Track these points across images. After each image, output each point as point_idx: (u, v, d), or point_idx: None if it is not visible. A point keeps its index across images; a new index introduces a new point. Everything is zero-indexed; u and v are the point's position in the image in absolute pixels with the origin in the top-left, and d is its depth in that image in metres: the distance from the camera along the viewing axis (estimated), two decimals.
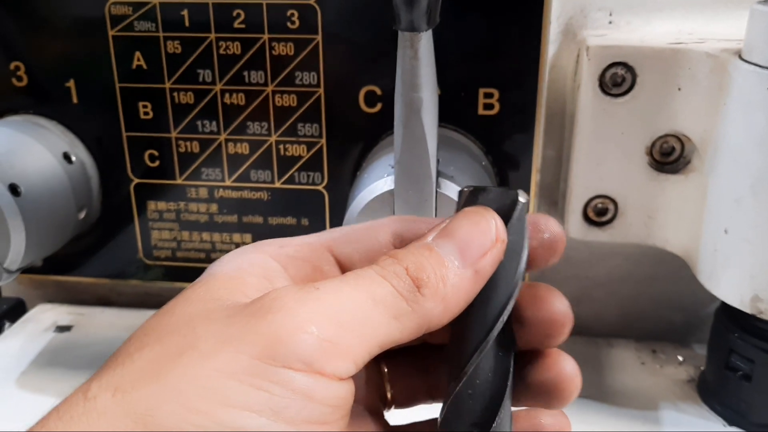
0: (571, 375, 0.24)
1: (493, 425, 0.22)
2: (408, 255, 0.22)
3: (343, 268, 0.25)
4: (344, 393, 0.20)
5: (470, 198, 0.24)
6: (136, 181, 0.50)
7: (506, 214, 0.23)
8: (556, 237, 0.24)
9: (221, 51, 0.46)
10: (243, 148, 0.48)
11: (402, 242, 0.24)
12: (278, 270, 0.23)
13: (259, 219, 0.50)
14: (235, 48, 0.46)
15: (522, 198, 0.23)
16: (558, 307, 0.24)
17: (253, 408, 0.19)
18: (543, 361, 0.25)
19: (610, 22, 0.46)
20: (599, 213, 0.45)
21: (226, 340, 0.19)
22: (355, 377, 0.21)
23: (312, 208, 0.49)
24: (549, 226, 0.24)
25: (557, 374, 0.24)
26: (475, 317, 0.23)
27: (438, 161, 0.38)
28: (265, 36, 0.46)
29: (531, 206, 0.46)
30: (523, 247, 0.23)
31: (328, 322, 0.20)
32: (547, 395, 0.24)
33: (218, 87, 0.47)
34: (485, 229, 0.23)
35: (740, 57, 0.38)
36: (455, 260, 0.22)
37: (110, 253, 0.53)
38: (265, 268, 0.23)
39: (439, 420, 0.23)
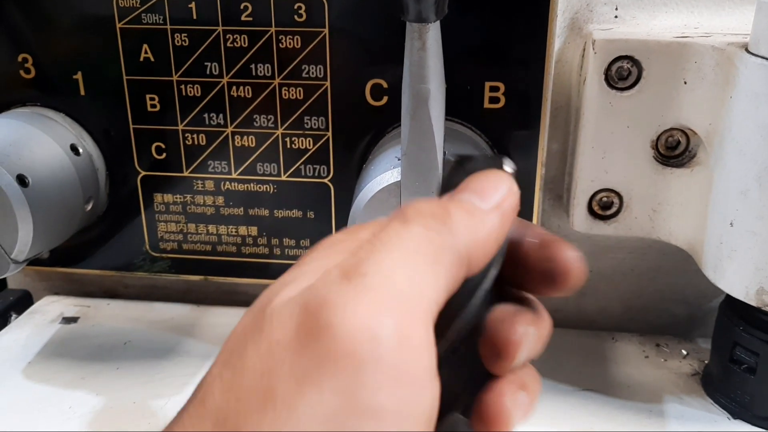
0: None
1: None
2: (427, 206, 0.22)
3: None
4: (430, 401, 0.19)
5: (456, 167, 0.23)
6: (143, 173, 0.50)
7: None
8: (567, 271, 0.23)
9: (228, 44, 0.46)
10: (249, 141, 0.48)
11: None
12: None
13: (265, 212, 0.50)
14: (243, 41, 0.46)
15: (508, 167, 0.23)
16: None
17: None
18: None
19: (616, 17, 0.46)
20: (604, 206, 0.45)
21: (302, 377, 0.18)
22: None
23: (318, 201, 0.49)
24: (560, 260, 0.23)
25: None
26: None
27: (445, 153, 0.38)
28: (272, 29, 0.46)
29: (536, 201, 0.46)
30: None
31: (391, 308, 0.19)
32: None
33: (225, 80, 0.47)
34: (498, 179, 0.23)
35: (747, 50, 0.38)
36: (475, 201, 0.22)
37: (117, 245, 0.53)
38: None
39: None
